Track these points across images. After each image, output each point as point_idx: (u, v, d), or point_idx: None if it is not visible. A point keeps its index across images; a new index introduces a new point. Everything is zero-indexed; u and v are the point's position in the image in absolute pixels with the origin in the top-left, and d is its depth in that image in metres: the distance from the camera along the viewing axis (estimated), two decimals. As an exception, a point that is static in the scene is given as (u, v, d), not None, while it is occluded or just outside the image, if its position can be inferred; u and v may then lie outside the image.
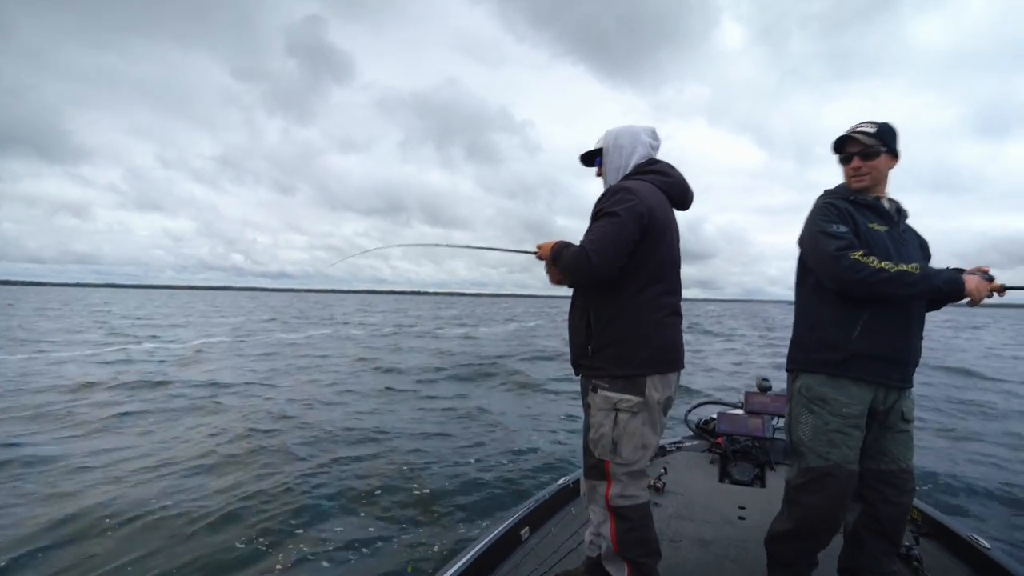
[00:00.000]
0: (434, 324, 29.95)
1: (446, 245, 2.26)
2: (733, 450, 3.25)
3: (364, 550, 3.22)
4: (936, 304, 1.81)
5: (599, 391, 1.72)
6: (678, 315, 1.82)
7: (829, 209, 1.76)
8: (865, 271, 1.60)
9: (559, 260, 1.74)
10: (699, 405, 4.02)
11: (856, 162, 1.78)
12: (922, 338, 1.80)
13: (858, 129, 1.78)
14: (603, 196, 1.73)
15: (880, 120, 1.78)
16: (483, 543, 2.07)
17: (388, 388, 8.87)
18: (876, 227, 1.74)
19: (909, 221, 1.87)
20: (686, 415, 3.82)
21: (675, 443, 3.64)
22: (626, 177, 1.80)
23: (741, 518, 2.57)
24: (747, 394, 3.48)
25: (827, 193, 1.87)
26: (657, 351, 1.71)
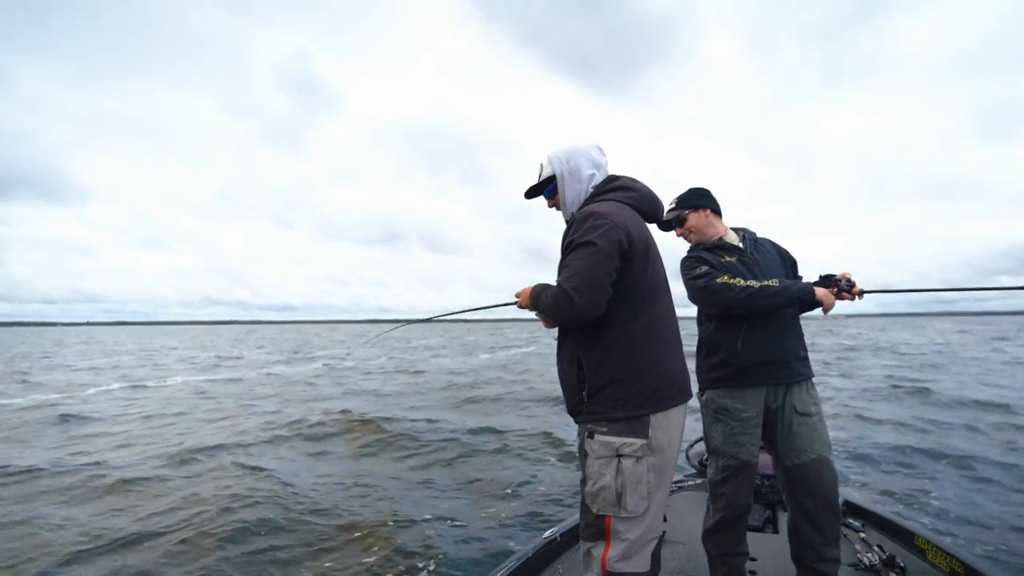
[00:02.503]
0: (389, 355, 25.20)
1: (427, 320, 2.70)
2: None
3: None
4: (802, 311, 2.11)
5: (596, 436, 1.53)
6: (678, 340, 1.64)
7: (690, 260, 2.15)
8: (735, 289, 1.96)
9: (538, 306, 1.59)
10: (702, 439, 3.68)
11: (678, 231, 2.24)
12: (802, 336, 2.11)
13: (666, 210, 2.14)
14: (571, 226, 1.57)
15: (681, 193, 2.22)
16: None
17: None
18: (728, 259, 2.10)
19: (768, 236, 2.27)
20: (687, 450, 3.50)
21: (676, 483, 3.31)
22: (588, 201, 1.64)
23: (753, 572, 2.27)
24: None
25: (689, 250, 2.26)
26: (659, 385, 1.52)
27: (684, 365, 1.64)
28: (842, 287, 2.04)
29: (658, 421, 1.50)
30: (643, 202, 1.66)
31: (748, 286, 1.94)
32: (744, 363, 1.99)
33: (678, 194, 2.23)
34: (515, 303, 1.75)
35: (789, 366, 2.03)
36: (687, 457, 3.49)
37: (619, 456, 1.49)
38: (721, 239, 2.18)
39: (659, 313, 1.59)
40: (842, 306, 2.11)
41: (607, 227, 1.48)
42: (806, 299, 1.97)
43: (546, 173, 1.70)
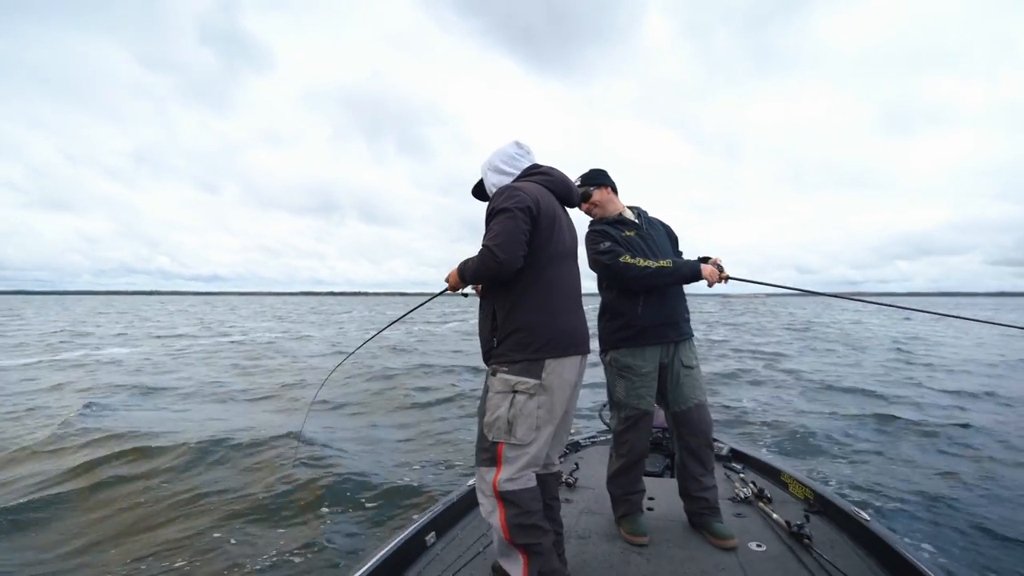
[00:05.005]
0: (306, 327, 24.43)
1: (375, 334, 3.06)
2: None
3: (257, 561, 3.03)
4: (686, 282, 2.37)
5: (498, 374, 1.77)
6: (576, 301, 1.93)
7: (594, 235, 2.36)
8: (634, 270, 2.22)
9: (466, 273, 1.84)
10: None
11: (584, 206, 2.46)
12: (686, 301, 2.45)
13: None
14: (491, 199, 1.83)
15: (584, 172, 2.44)
16: (386, 549, 2.01)
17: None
18: (627, 233, 2.36)
19: (657, 215, 2.56)
20: (600, 411, 3.88)
21: (590, 439, 3.68)
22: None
23: (650, 508, 2.63)
24: None
25: (591, 223, 2.48)
26: (556, 335, 1.77)
27: (583, 323, 1.92)
28: (717, 267, 2.35)
29: (552, 366, 1.75)
30: (557, 185, 1.95)
31: (647, 266, 2.21)
32: (644, 324, 2.28)
33: (581, 173, 2.45)
34: (446, 289, 2.00)
35: (679, 327, 2.35)
36: (599, 416, 3.86)
37: (514, 392, 1.73)
38: (620, 215, 2.43)
39: (561, 276, 1.86)
40: (764, 286, 2.54)
41: (519, 196, 1.75)
42: (694, 277, 2.29)
43: (480, 176, 2.02)
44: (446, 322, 29.58)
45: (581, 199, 2.37)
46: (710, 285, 2.33)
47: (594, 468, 3.15)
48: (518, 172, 1.95)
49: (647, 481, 2.97)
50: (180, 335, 20.90)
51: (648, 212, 2.54)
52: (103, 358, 13.01)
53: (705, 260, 2.40)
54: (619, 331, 2.33)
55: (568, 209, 2.07)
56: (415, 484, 4.19)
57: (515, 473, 1.73)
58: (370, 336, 3.02)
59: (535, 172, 1.94)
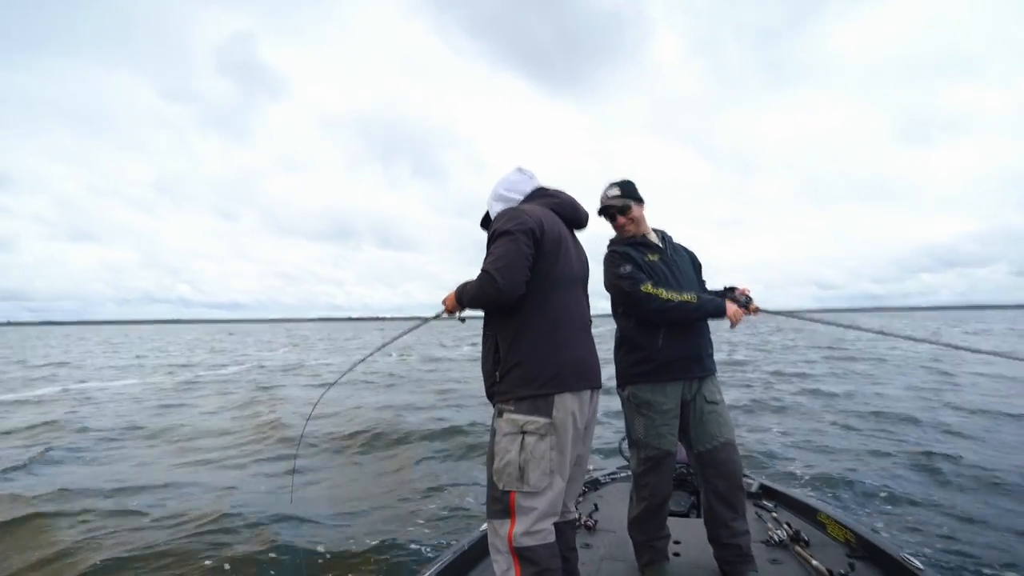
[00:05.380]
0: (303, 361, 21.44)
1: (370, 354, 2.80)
2: None
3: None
4: (708, 319, 2.23)
5: (504, 414, 1.65)
6: (585, 330, 1.80)
7: (614, 257, 2.20)
8: (656, 301, 2.06)
9: (464, 297, 1.74)
10: None
11: (620, 220, 2.24)
12: (710, 334, 2.25)
13: (609, 196, 2.22)
14: (492, 222, 1.76)
15: (619, 180, 2.22)
16: None
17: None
18: (651, 258, 2.19)
19: (702, 239, 2.47)
20: (620, 444, 3.68)
21: (609, 475, 3.48)
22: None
23: (676, 554, 2.43)
24: None
25: (611, 243, 2.30)
26: (564, 368, 1.65)
27: (592, 354, 1.79)
28: (741, 303, 2.20)
29: (563, 402, 1.62)
30: (563, 207, 1.87)
31: (669, 299, 2.05)
32: (665, 359, 2.11)
33: (615, 181, 2.23)
34: (442, 313, 1.90)
35: (703, 362, 2.19)
36: (620, 451, 3.66)
37: (523, 433, 1.59)
38: (644, 236, 2.27)
39: (568, 303, 1.74)
40: (786, 303, 2.32)
41: (520, 218, 1.67)
42: (718, 316, 2.14)
43: (486, 209, 1.95)
44: (458, 347, 28.98)
45: (619, 212, 2.22)
46: (732, 326, 2.17)
47: (615, 508, 2.94)
48: (522, 197, 1.88)
49: (672, 522, 2.76)
50: (170, 365, 20.25)
51: (672, 236, 2.39)
52: (78, 393, 12.27)
53: (732, 289, 2.27)
54: (638, 364, 2.17)
55: (578, 233, 1.97)
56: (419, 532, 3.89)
57: (532, 526, 1.58)
58: (347, 368, 2.82)
59: (540, 194, 1.88)
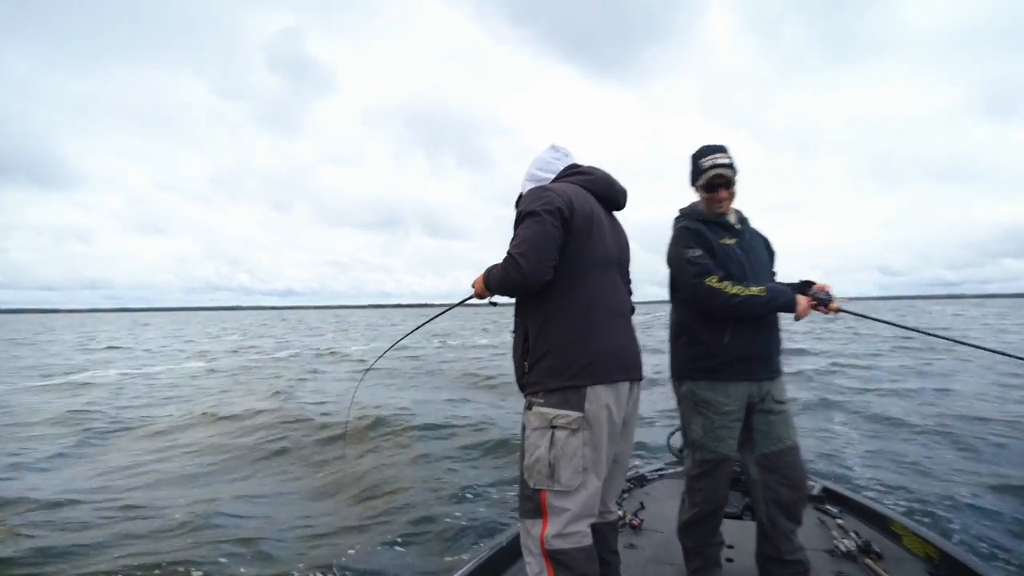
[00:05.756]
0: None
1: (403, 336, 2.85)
2: None
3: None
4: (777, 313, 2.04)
5: (534, 407, 1.55)
6: (623, 316, 1.66)
7: (685, 234, 2.00)
8: (720, 297, 1.87)
9: (491, 282, 1.65)
10: (679, 428, 3.65)
11: (723, 193, 2.00)
12: (780, 331, 2.06)
13: (719, 162, 1.97)
14: (519, 202, 1.67)
15: (721, 143, 2.01)
16: None
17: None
18: (727, 241, 2.01)
19: (755, 224, 2.16)
20: (668, 438, 3.48)
21: (657, 471, 3.30)
22: None
23: (729, 559, 2.26)
24: None
25: (682, 215, 2.11)
26: (597, 357, 1.53)
27: (632, 342, 1.66)
28: (820, 299, 1.97)
29: (596, 394, 1.50)
30: (597, 184, 1.74)
31: (735, 295, 1.86)
32: (730, 357, 1.93)
33: (714, 144, 2.00)
34: (471, 297, 1.81)
35: (771, 362, 2.00)
36: (668, 445, 3.47)
37: (553, 427, 1.49)
38: (724, 215, 2.06)
39: (604, 287, 1.62)
40: (846, 290, 2.11)
41: (548, 197, 1.56)
42: (788, 310, 1.93)
43: (519, 191, 1.82)
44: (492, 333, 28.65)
45: (725, 184, 1.98)
46: (797, 319, 1.97)
47: (663, 507, 2.78)
48: (553, 176, 1.76)
49: (725, 525, 2.58)
50: (202, 351, 20.92)
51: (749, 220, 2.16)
52: (110, 380, 12.21)
53: (809, 284, 2.03)
54: (699, 359, 1.99)
55: (616, 213, 1.83)
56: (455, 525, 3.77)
57: (565, 527, 1.48)
58: (384, 351, 2.86)
59: (572, 172, 1.76)
